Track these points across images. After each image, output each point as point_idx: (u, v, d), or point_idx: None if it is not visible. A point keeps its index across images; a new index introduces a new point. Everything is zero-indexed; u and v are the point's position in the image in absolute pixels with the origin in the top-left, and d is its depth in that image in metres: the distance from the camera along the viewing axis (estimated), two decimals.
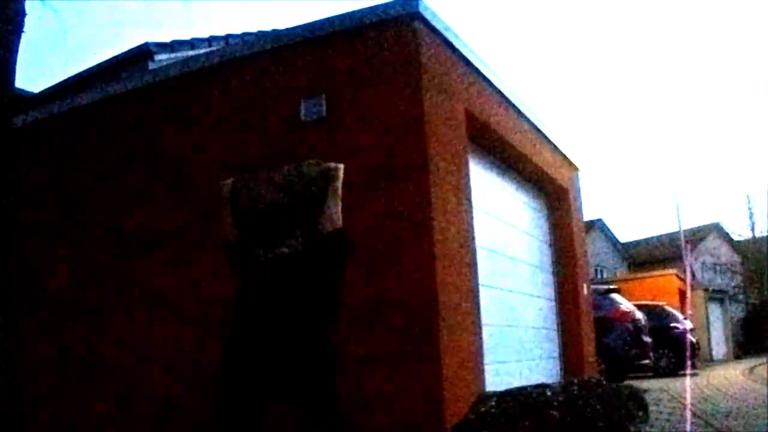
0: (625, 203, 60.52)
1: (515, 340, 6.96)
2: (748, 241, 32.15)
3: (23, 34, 5.36)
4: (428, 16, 5.15)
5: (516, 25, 62.47)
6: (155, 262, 5.72)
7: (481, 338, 5.50)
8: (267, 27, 10.29)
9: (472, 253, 5.55)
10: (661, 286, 21.86)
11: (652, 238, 35.27)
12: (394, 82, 5.06)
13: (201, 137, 5.70)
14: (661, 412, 6.34)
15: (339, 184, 3.28)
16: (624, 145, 60.61)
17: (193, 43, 9.57)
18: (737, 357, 24.68)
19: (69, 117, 6.51)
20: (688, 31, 60.41)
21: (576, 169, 9.21)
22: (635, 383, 8.12)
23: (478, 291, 5.56)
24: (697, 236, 31.74)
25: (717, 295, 26.96)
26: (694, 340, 16.70)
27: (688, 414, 6.28)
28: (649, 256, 33.06)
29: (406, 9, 5.06)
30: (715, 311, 26.07)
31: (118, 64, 9.21)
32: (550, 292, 8.39)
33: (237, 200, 3.33)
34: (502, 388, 4.76)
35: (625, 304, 13.02)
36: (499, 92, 6.60)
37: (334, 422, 3.17)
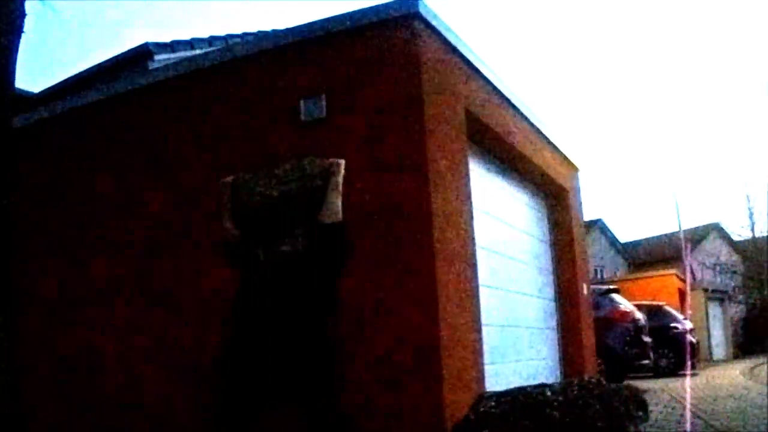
0: (625, 203, 60.58)
1: (515, 340, 6.96)
2: (748, 241, 32.14)
3: (23, 34, 5.36)
4: (428, 16, 5.15)
5: (516, 25, 62.50)
6: (156, 262, 5.72)
7: (481, 338, 5.50)
8: (267, 27, 10.30)
9: (472, 253, 5.55)
10: (661, 286, 21.87)
11: (652, 238, 35.27)
12: (394, 82, 5.06)
13: (201, 137, 5.70)
14: (661, 412, 6.34)
15: (340, 179, 3.29)
16: (624, 145, 60.65)
17: (193, 43, 9.57)
18: (737, 357, 24.67)
19: (69, 117, 6.51)
20: (688, 31, 60.45)
21: (576, 169, 9.22)
22: (635, 383, 8.12)
23: (478, 291, 5.56)
24: (697, 236, 31.75)
25: (717, 295, 26.95)
26: (693, 340, 16.69)
27: (688, 414, 6.28)
28: (649, 256, 33.06)
29: (406, 9, 5.06)
30: (715, 311, 26.07)
31: (118, 64, 9.21)
32: (550, 292, 8.39)
33: (237, 199, 3.33)
34: (502, 388, 4.76)
35: (625, 304, 13.02)
36: (499, 92, 6.60)
37: (334, 422, 3.17)
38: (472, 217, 5.65)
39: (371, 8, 5.21)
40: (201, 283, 5.35)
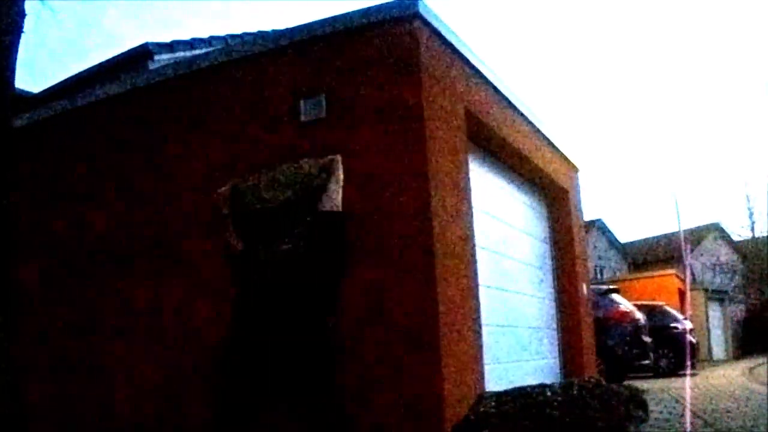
0: (625, 203, 60.55)
1: (515, 340, 6.96)
2: (748, 241, 32.16)
3: (23, 34, 5.37)
4: (428, 16, 5.15)
5: (516, 25, 62.49)
6: (156, 261, 5.72)
7: (481, 338, 5.50)
8: (267, 27, 10.30)
9: (472, 253, 5.55)
10: (661, 286, 21.89)
11: (652, 238, 35.26)
12: (394, 82, 5.05)
13: (201, 137, 5.70)
14: (661, 412, 6.34)
15: (340, 173, 3.30)
16: (624, 145, 60.64)
17: (193, 43, 9.59)
18: (737, 357, 24.68)
19: (69, 117, 6.51)
20: (687, 31, 60.45)
21: (576, 169, 9.22)
22: (635, 383, 8.12)
23: (478, 291, 5.56)
24: (696, 236, 31.73)
25: (717, 295, 26.97)
26: (693, 340, 16.70)
27: (688, 414, 6.28)
28: (649, 256, 33.06)
29: (406, 9, 5.06)
30: (714, 311, 26.08)
31: (118, 64, 9.22)
32: (550, 292, 8.39)
33: (237, 207, 3.33)
34: (502, 388, 4.76)
35: (625, 304, 13.03)
36: (499, 92, 6.60)
37: (333, 422, 3.17)
38: (472, 217, 5.65)
39: (371, 8, 5.21)
40: (202, 283, 5.35)
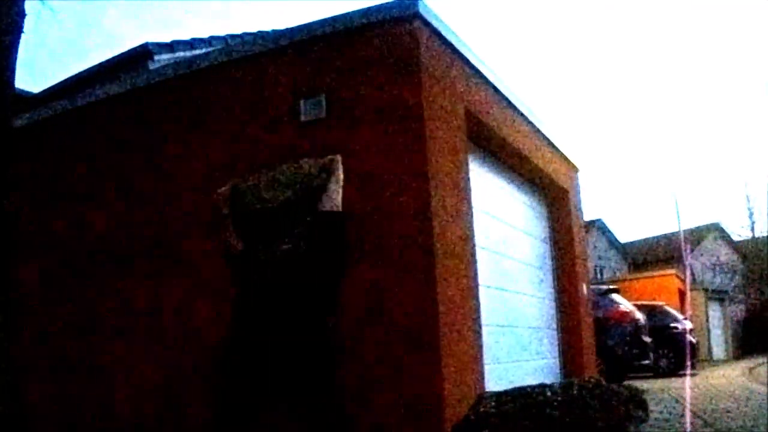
0: (625, 203, 60.54)
1: (515, 340, 6.96)
2: (748, 241, 32.15)
3: (23, 35, 5.37)
4: (428, 16, 5.15)
5: (516, 25, 62.49)
6: (156, 261, 5.72)
7: (481, 338, 5.50)
8: (267, 27, 10.30)
9: (472, 253, 5.55)
10: (661, 286, 21.88)
11: (652, 238, 35.25)
12: (394, 82, 5.05)
13: (201, 137, 5.70)
14: (661, 412, 6.34)
15: (340, 173, 3.30)
16: (624, 145, 60.64)
17: (193, 43, 9.58)
18: (737, 357, 24.68)
19: (69, 117, 6.50)
20: (687, 31, 60.44)
21: (576, 169, 9.22)
22: (635, 383, 8.12)
23: (478, 291, 5.56)
24: (696, 236, 31.73)
25: (717, 295, 26.96)
26: (693, 340, 16.70)
27: (688, 414, 6.28)
28: (649, 256, 33.05)
29: (406, 9, 5.06)
30: (714, 311, 26.08)
31: (118, 64, 9.22)
32: (550, 292, 8.39)
33: (237, 208, 3.33)
34: (502, 388, 4.76)
35: (625, 304, 13.03)
36: (499, 92, 6.60)
37: (333, 422, 3.17)
38: (472, 217, 5.65)
39: (371, 8, 5.21)
40: (202, 283, 5.35)
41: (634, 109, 59.69)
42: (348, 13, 5.25)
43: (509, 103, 6.86)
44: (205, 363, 4.63)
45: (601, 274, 29.09)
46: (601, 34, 62.86)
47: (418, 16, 5.04)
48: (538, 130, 7.76)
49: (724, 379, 11.99)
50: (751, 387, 9.65)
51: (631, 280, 24.03)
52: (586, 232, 13.90)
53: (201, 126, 5.73)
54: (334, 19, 5.30)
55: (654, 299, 17.83)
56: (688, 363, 14.76)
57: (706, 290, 25.71)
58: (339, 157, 3.36)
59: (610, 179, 57.21)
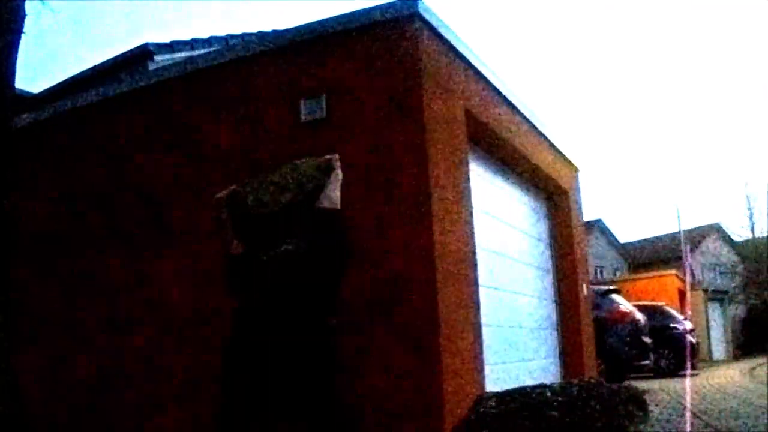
0: (625, 203, 60.56)
1: (515, 340, 6.95)
2: (748, 241, 32.12)
3: (23, 35, 5.36)
4: (428, 16, 5.15)
5: (516, 25, 62.48)
6: (157, 262, 5.72)
7: (481, 338, 5.50)
8: (267, 27, 10.30)
9: (472, 253, 5.55)
10: (661, 287, 21.87)
11: (652, 238, 35.28)
12: (394, 83, 5.06)
13: (201, 138, 5.70)
14: (661, 412, 6.34)
15: (338, 171, 3.30)
16: (624, 145, 60.64)
17: (193, 44, 9.57)
18: (737, 357, 24.67)
19: (69, 117, 6.51)
20: (688, 31, 60.44)
21: (576, 169, 9.21)
22: (635, 383, 8.11)
23: (478, 291, 5.56)
24: (697, 237, 31.73)
25: (717, 296, 26.96)
26: (693, 340, 16.69)
27: (688, 414, 6.28)
28: (649, 257, 33.08)
29: (406, 9, 5.06)
30: (715, 311, 26.08)
31: (118, 65, 9.21)
32: (550, 292, 8.39)
33: (237, 210, 3.33)
34: (502, 388, 4.76)
35: (625, 305, 13.02)
36: (499, 92, 6.60)
37: (335, 422, 3.17)
38: (472, 217, 5.65)
39: (371, 8, 5.21)
40: (203, 284, 5.35)
41: (634, 109, 59.73)
42: (348, 14, 5.25)
43: (509, 103, 6.86)
44: (206, 376, 4.64)
45: (601, 275, 29.10)
46: (602, 34, 62.88)
47: (418, 16, 5.04)
48: (538, 130, 7.75)
49: (724, 379, 11.98)
50: (751, 387, 9.65)
51: (631, 280, 24.03)
52: (586, 232, 13.89)
53: (201, 126, 5.73)
54: (334, 19, 5.30)
55: (654, 299, 17.82)
56: (688, 363, 14.74)
57: (706, 290, 25.70)
58: (337, 156, 3.36)
59: (610, 179, 57.26)
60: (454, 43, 5.57)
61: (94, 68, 9.44)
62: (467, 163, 5.74)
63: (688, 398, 8.01)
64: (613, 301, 12.71)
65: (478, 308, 5.51)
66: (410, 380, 4.69)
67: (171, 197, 5.75)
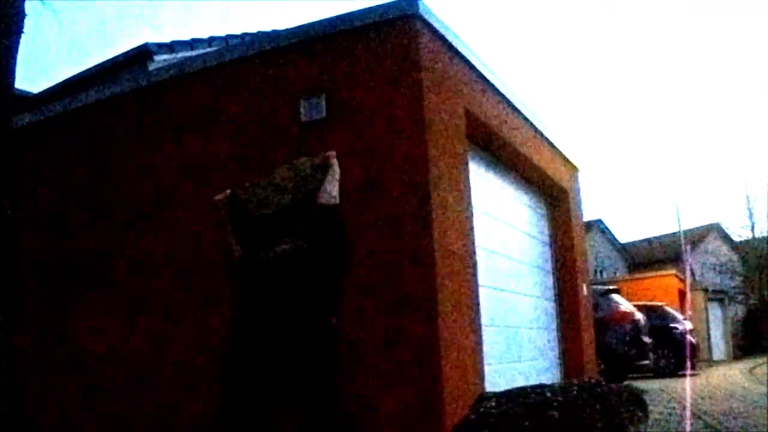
0: (625, 203, 60.57)
1: (515, 340, 6.96)
2: (748, 241, 32.12)
3: (23, 35, 5.36)
4: (428, 17, 5.15)
5: (516, 25, 62.49)
6: (156, 261, 5.72)
7: (481, 338, 5.50)
8: (267, 27, 10.30)
9: (472, 253, 5.55)
10: (661, 287, 21.85)
11: (652, 238, 35.25)
12: (394, 82, 5.06)
13: (201, 138, 5.70)
14: (661, 413, 6.34)
15: (336, 168, 3.30)
16: (624, 145, 60.65)
17: (192, 44, 9.57)
18: (737, 357, 24.67)
19: (69, 117, 6.51)
20: (687, 31, 60.45)
21: (576, 169, 9.21)
22: (635, 383, 8.11)
23: (478, 291, 5.56)
24: (697, 237, 31.72)
25: (717, 296, 26.94)
26: (693, 340, 16.69)
27: (688, 414, 6.29)
28: (649, 257, 33.06)
29: (406, 9, 5.06)
30: (714, 312, 26.06)
31: (118, 65, 9.21)
32: (550, 292, 8.39)
33: (236, 212, 3.33)
34: (502, 388, 4.76)
35: (625, 305, 13.03)
36: (499, 92, 6.60)
37: (335, 424, 3.17)
38: (472, 217, 5.65)
39: (371, 8, 5.21)
40: (203, 284, 5.35)
41: (634, 109, 59.74)
42: (348, 14, 5.26)
43: (509, 103, 6.86)
44: (209, 365, 4.64)
45: (601, 275, 29.08)
46: (602, 34, 62.88)
47: (418, 16, 5.04)
48: (538, 131, 7.76)
49: (724, 379, 11.99)
50: (751, 387, 9.65)
51: (631, 280, 24.02)
52: (586, 232, 13.89)
53: (201, 126, 5.73)
54: (335, 19, 5.30)
55: (654, 300, 17.81)
56: (688, 363, 14.74)
57: (706, 290, 25.68)
58: (334, 153, 3.36)
59: (610, 179, 57.27)
60: (454, 43, 5.57)
61: (94, 68, 9.44)
62: (467, 163, 5.74)
63: (688, 398, 8.01)
64: (613, 301, 12.72)
65: (478, 308, 5.51)
66: (410, 380, 4.69)
67: (171, 197, 5.75)
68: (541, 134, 7.86)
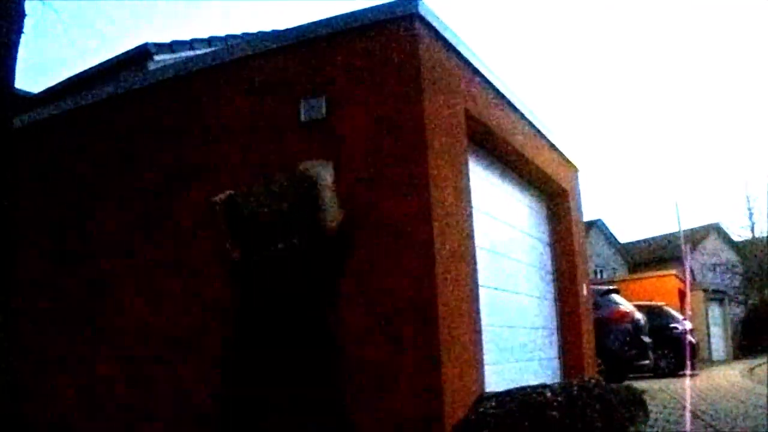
0: (625, 203, 60.60)
1: (515, 340, 6.95)
2: (748, 241, 32.15)
3: (23, 35, 5.36)
4: (428, 16, 5.15)
5: (516, 25, 62.50)
6: (156, 262, 5.72)
7: (481, 338, 5.50)
8: (267, 27, 10.30)
9: (472, 253, 5.55)
10: (661, 287, 21.84)
11: (652, 238, 35.27)
12: (394, 83, 5.05)
13: (200, 138, 5.70)
14: (660, 413, 6.34)
15: (330, 179, 3.30)
16: (624, 145, 60.67)
17: (192, 44, 9.58)
18: (737, 357, 24.67)
19: (69, 117, 6.51)
20: (687, 31, 60.46)
21: (576, 169, 9.21)
22: (635, 383, 8.12)
23: (478, 291, 5.56)
24: (696, 237, 31.72)
25: (717, 296, 26.95)
26: (693, 340, 16.69)
27: (688, 414, 6.29)
28: (649, 257, 33.06)
29: (406, 9, 5.05)
30: (714, 312, 26.06)
31: (118, 65, 9.22)
32: (550, 292, 8.39)
33: (234, 218, 3.33)
34: (502, 388, 4.76)
35: (625, 305, 13.02)
36: (500, 92, 6.60)
37: (336, 421, 3.17)
38: (472, 217, 5.65)
39: (371, 8, 5.21)
40: (204, 284, 5.35)
41: (634, 109, 59.75)
42: (348, 14, 5.25)
43: (509, 103, 6.86)
44: (210, 357, 4.64)
45: (601, 275, 29.08)
46: (602, 34, 62.88)
47: (418, 16, 5.04)
48: (538, 131, 7.75)
49: (724, 379, 11.99)
50: (751, 387, 9.65)
51: (630, 280, 24.01)
52: (586, 232, 13.90)
53: (200, 126, 5.73)
54: (334, 19, 5.30)
55: (653, 300, 17.81)
56: (688, 363, 14.74)
57: (706, 290, 25.68)
58: (330, 163, 3.36)
59: (610, 179, 57.28)
60: (454, 43, 5.57)
61: (94, 68, 9.45)
62: (467, 163, 5.74)
63: (688, 398, 8.01)
64: (613, 301, 12.72)
65: (478, 308, 5.50)
66: (410, 380, 4.69)
67: (171, 197, 5.74)
68: (541, 134, 7.85)
